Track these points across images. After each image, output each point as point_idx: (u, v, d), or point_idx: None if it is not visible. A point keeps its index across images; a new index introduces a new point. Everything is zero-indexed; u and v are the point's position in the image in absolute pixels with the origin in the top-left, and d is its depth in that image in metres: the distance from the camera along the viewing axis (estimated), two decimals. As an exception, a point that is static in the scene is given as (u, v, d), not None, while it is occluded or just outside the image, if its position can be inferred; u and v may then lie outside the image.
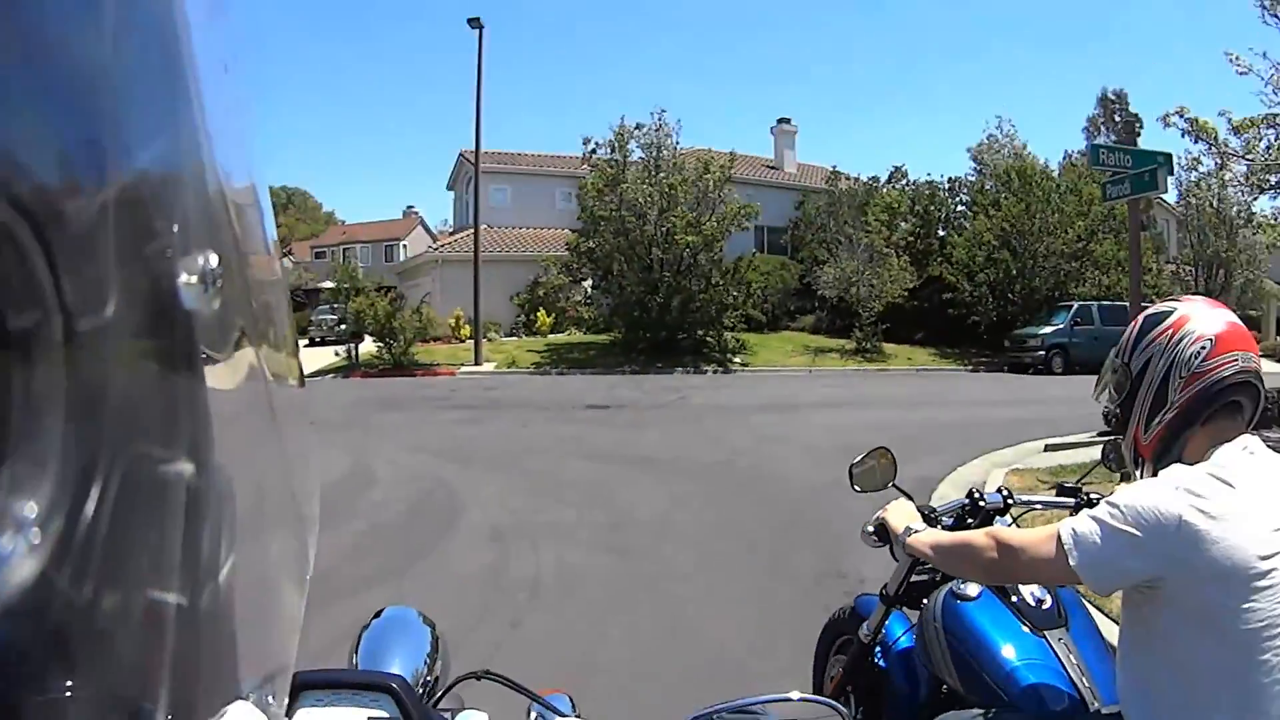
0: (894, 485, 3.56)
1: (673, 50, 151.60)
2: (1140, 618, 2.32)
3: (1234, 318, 2.48)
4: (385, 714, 1.66)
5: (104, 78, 0.74)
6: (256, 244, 1.07)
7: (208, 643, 0.91)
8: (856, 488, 3.58)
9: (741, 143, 72.85)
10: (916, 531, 2.86)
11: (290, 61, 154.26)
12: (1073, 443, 14.57)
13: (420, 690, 2.09)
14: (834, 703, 2.01)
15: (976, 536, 2.60)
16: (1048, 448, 14.79)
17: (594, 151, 35.01)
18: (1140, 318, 2.53)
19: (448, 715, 1.97)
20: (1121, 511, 2.21)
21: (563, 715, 1.98)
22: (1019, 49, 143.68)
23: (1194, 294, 27.85)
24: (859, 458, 3.60)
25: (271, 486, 1.12)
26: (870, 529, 3.16)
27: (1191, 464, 2.31)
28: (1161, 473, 2.32)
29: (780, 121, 53.05)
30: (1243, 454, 2.31)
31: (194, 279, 0.84)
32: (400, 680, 1.72)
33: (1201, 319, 2.40)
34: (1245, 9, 13.04)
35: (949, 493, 10.63)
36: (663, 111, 34.98)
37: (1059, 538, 2.27)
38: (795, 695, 2.00)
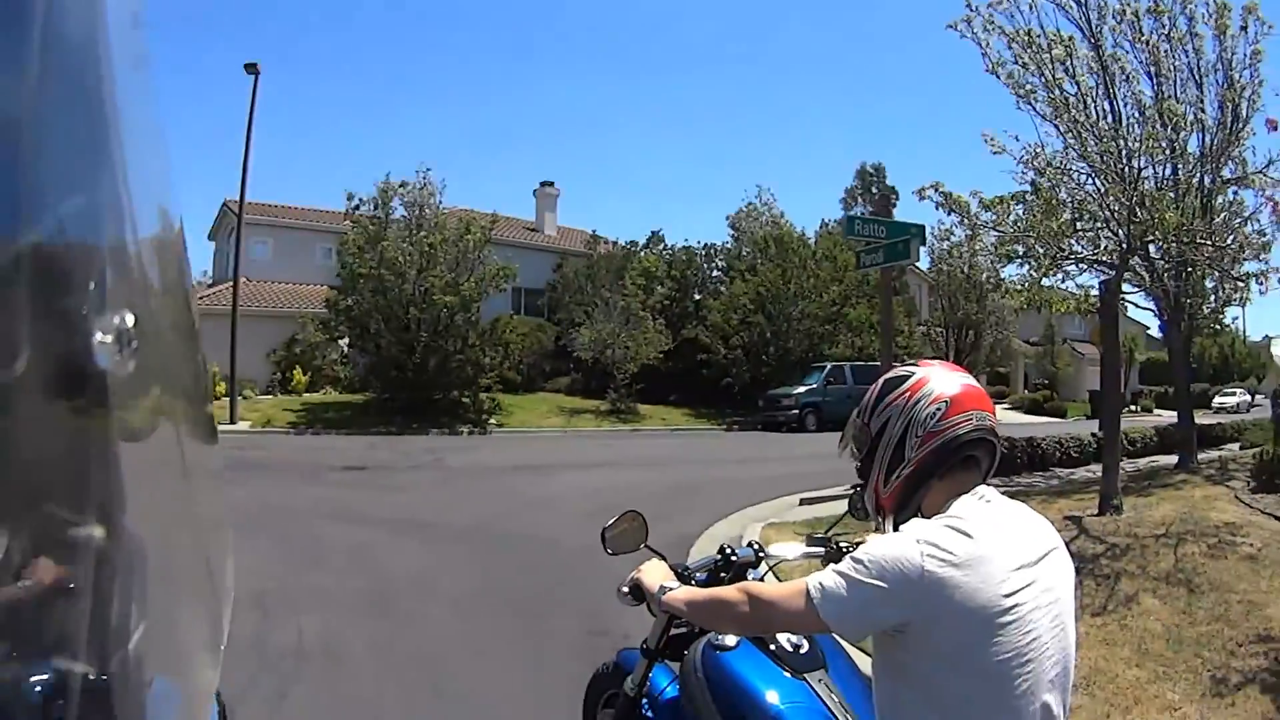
0: (646, 546, 3.61)
1: (440, 108, 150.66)
2: (892, 659, 2.44)
3: (970, 380, 2.65)
4: None
5: (23, 128, 0.73)
6: (173, 294, 1.06)
7: (118, 711, 0.88)
8: (610, 550, 3.61)
9: (504, 204, 73.13)
10: (671, 589, 2.94)
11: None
12: (826, 496, 15.06)
13: None
14: None
15: (729, 592, 2.69)
16: (803, 501, 15.30)
17: (357, 207, 34.94)
18: (880, 381, 2.69)
19: None
20: (866, 565, 2.34)
21: None
22: (781, 120, 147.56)
23: (945, 354, 29.82)
24: (611, 521, 3.64)
25: (184, 553, 1.11)
26: (625, 589, 3.21)
27: (930, 516, 2.50)
28: (903, 526, 2.47)
29: (543, 184, 53.53)
30: (979, 503, 2.49)
31: (109, 338, 0.83)
32: None
33: (938, 381, 2.58)
34: (1001, 96, 13.97)
35: (707, 548, 10.56)
36: (427, 170, 35.09)
37: (807, 592, 2.38)
38: None
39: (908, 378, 2.62)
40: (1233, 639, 7.52)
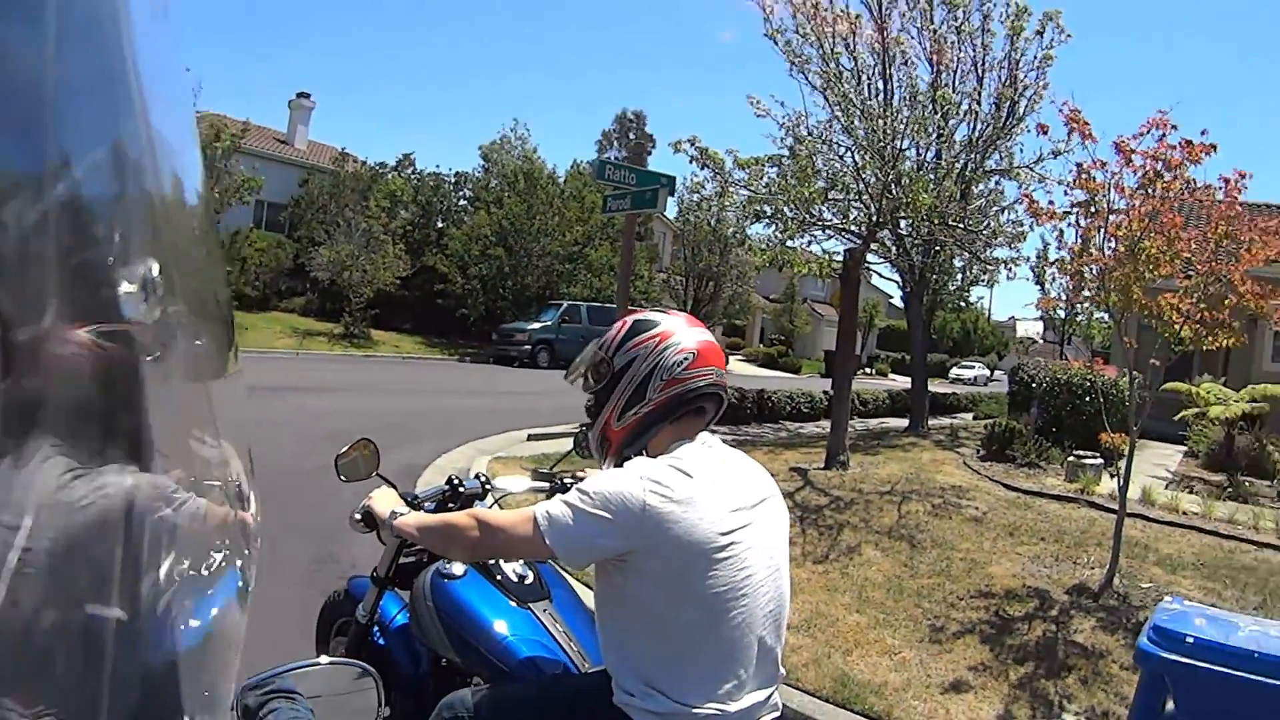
0: (378, 474, 3.67)
1: (203, 7, 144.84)
2: (613, 585, 2.60)
3: (710, 337, 2.82)
4: None
5: (47, 81, 0.73)
6: (199, 239, 1.08)
7: (149, 660, 0.90)
8: (342, 477, 3.68)
9: (258, 114, 70.57)
10: (401, 515, 3.01)
11: None
12: (555, 433, 15.43)
13: None
14: (362, 664, 2.17)
15: (459, 517, 2.82)
16: (531, 437, 15.61)
17: None
18: (629, 320, 2.87)
19: None
20: (591, 496, 2.51)
21: None
22: (545, 55, 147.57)
23: (684, 302, 30.57)
24: (343, 449, 3.70)
25: (212, 498, 1.08)
26: (358, 516, 3.27)
27: (654, 456, 2.69)
28: (627, 464, 2.64)
29: (299, 95, 51.63)
30: (702, 448, 2.71)
31: (135, 288, 0.83)
32: None
33: (686, 334, 2.78)
34: (774, 61, 14.22)
35: (434, 479, 10.85)
36: (186, 69, 33.06)
37: (535, 519, 2.54)
38: (324, 660, 2.16)
39: (657, 324, 2.78)
40: (954, 593, 7.85)
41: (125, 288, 0.82)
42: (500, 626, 3.13)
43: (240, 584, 1.20)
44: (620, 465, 2.66)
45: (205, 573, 1.07)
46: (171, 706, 0.93)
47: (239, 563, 1.20)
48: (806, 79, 13.75)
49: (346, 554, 7.68)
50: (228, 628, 1.15)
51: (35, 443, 0.70)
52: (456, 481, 3.64)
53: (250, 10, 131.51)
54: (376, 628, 3.64)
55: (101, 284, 0.79)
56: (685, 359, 2.70)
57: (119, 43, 0.83)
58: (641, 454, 2.69)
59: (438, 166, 51.43)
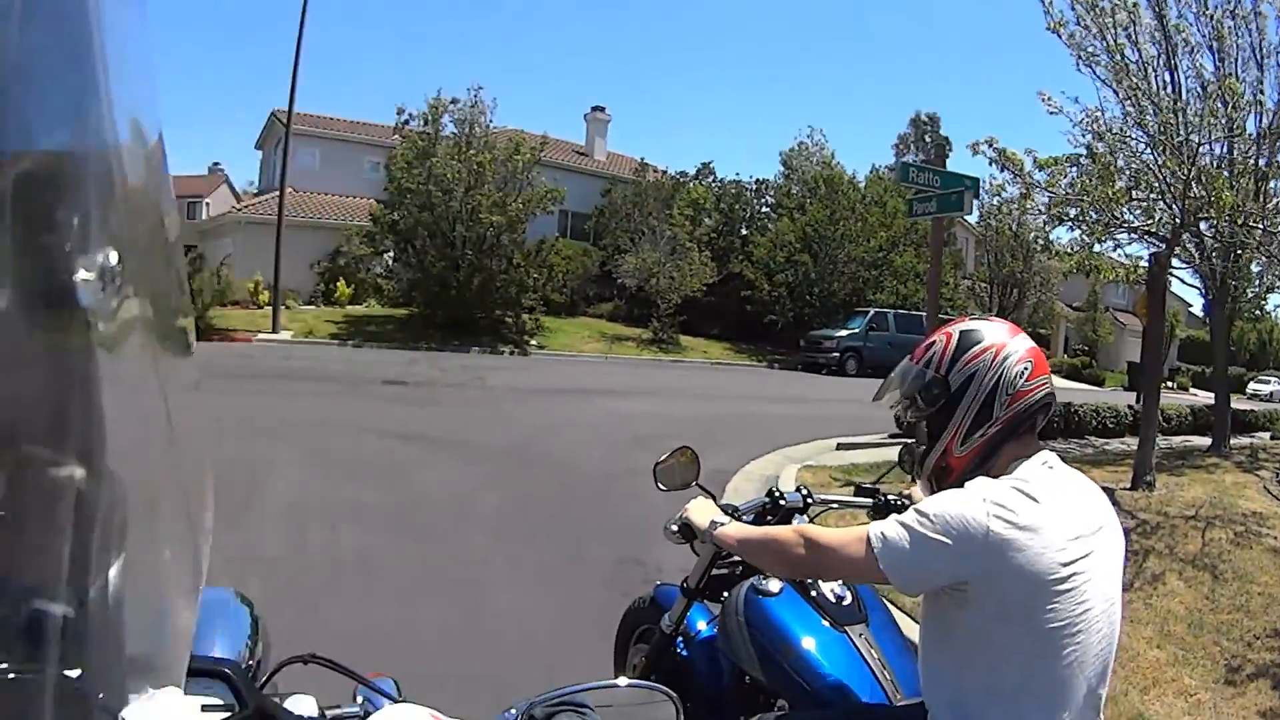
0: (697, 484, 3.60)
1: (494, 27, 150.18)
2: (943, 615, 2.43)
3: (1032, 342, 2.64)
4: (219, 700, 1.56)
5: (8, 57, 0.72)
6: (153, 220, 1.02)
7: (94, 657, 0.89)
8: (661, 486, 3.62)
9: (554, 127, 72.55)
10: (721, 525, 2.89)
11: None
12: (864, 442, 14.99)
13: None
14: (663, 688, 2.04)
15: (784, 532, 2.69)
16: (840, 446, 15.14)
17: (407, 122, 34.61)
18: (954, 333, 2.60)
19: (277, 700, 1.82)
20: (931, 520, 2.32)
21: (390, 698, 1.93)
22: (840, 60, 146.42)
23: (989, 310, 29.23)
24: (663, 456, 3.65)
25: (164, 494, 1.09)
26: (674, 526, 3.21)
27: (994, 477, 2.43)
28: (968, 484, 2.42)
29: (594, 109, 52.69)
30: (1043, 469, 2.48)
31: (92, 276, 0.82)
32: (234, 665, 1.65)
33: (1017, 342, 2.57)
34: (1061, 56, 13.70)
35: (742, 485, 10.96)
36: (479, 89, 34.45)
37: (869, 540, 2.37)
38: (623, 681, 2.06)
39: (986, 334, 2.57)
40: (1250, 630, 7.43)
41: (82, 275, 0.82)
42: (812, 648, 3.01)
43: (190, 578, 1.20)
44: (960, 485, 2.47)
45: (155, 567, 1.08)
46: (120, 701, 0.94)
47: (190, 557, 1.20)
48: (1094, 72, 13.10)
49: (650, 557, 7.69)
50: (178, 622, 1.15)
51: None
52: (777, 494, 3.55)
53: (543, 27, 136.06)
54: (681, 638, 3.59)
55: (58, 270, 0.80)
56: (1025, 369, 2.52)
57: (86, 23, 0.83)
58: (982, 476, 2.48)
59: (736, 174, 51.77)
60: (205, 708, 1.51)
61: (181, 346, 1.18)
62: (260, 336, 30.41)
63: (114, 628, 0.93)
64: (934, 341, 2.64)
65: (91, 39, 0.82)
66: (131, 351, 0.94)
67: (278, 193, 34.37)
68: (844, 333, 35.78)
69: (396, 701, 1.90)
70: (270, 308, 31.98)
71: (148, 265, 0.99)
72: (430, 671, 5.37)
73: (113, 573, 0.90)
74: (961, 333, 2.59)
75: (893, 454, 12.10)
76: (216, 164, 77.82)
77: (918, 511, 2.37)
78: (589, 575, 7.59)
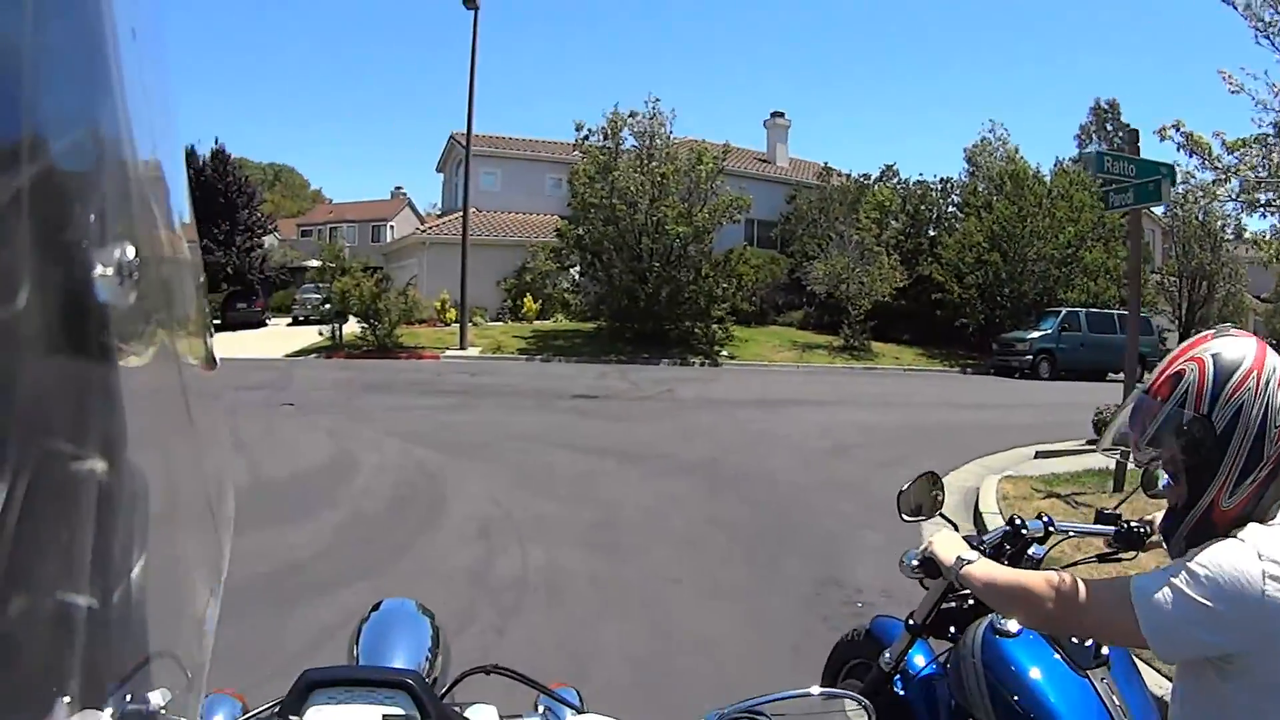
0: (940, 515, 3.48)
1: (666, 39, 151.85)
2: (1203, 684, 2.11)
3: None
4: (401, 711, 1.62)
5: (22, 57, 0.72)
6: (170, 224, 1.05)
7: (118, 646, 0.89)
8: (904, 516, 3.42)
9: (733, 135, 72.83)
10: (969, 562, 2.60)
11: (278, 36, 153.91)
12: (1064, 450, 14.43)
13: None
14: (857, 695, 1.97)
15: (1036, 581, 2.34)
16: (1039, 454, 14.59)
17: (586, 138, 34.79)
18: (1205, 359, 2.12)
19: (458, 710, 1.88)
20: (1201, 581, 1.97)
21: (573, 708, 1.98)
22: (1014, 52, 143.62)
23: (1178, 305, 27.63)
24: (906, 485, 3.42)
25: (186, 486, 1.10)
26: (914, 562, 2.99)
27: (1266, 523, 2.09)
28: (1241, 534, 2.05)
29: (773, 115, 52.66)
30: None
31: (110, 271, 0.82)
32: (416, 676, 1.68)
33: (1273, 357, 2.10)
34: (1239, 28, 13.09)
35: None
36: (656, 100, 34.48)
37: (1131, 600, 2.04)
38: (815, 690, 1.95)
39: (1238, 351, 2.11)
40: None
41: (100, 270, 0.82)
42: (1052, 694, 2.83)
43: (213, 570, 1.21)
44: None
45: (178, 559, 1.09)
46: (144, 694, 0.94)
47: (212, 549, 1.21)
48: (1274, 44, 12.32)
49: (849, 577, 7.51)
50: (200, 618, 1.15)
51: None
52: (1019, 522, 3.30)
53: (712, 38, 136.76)
54: (899, 675, 3.41)
55: (76, 265, 0.80)
56: None
57: (99, 16, 0.83)
58: (1254, 524, 2.10)
59: (920, 174, 50.88)
60: (387, 718, 1.60)
61: (202, 355, 1.21)
62: (448, 353, 31.23)
63: (139, 619, 0.94)
64: (1181, 371, 2.15)
65: (105, 35, 0.83)
66: (150, 346, 0.97)
67: (460, 213, 35.35)
68: (1036, 334, 34.55)
69: (580, 713, 1.99)
70: (457, 325, 32.78)
71: (164, 266, 1.01)
72: (614, 687, 5.40)
73: (136, 565, 0.92)
74: (1215, 357, 2.11)
75: (1093, 461, 11.84)
76: (399, 188, 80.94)
77: (1188, 572, 2.00)
78: (786, 597, 7.33)
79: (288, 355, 33.29)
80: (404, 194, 79.69)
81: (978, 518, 9.42)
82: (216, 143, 49.25)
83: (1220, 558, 2.00)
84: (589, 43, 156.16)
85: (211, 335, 1.28)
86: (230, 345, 36.20)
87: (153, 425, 0.97)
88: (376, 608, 2.48)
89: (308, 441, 14.74)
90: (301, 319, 45.46)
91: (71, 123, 0.80)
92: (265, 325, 47.51)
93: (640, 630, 6.58)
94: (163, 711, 0.96)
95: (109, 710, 0.84)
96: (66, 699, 0.76)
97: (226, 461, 1.30)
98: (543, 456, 13.37)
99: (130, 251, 0.85)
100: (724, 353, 33.32)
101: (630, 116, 34.31)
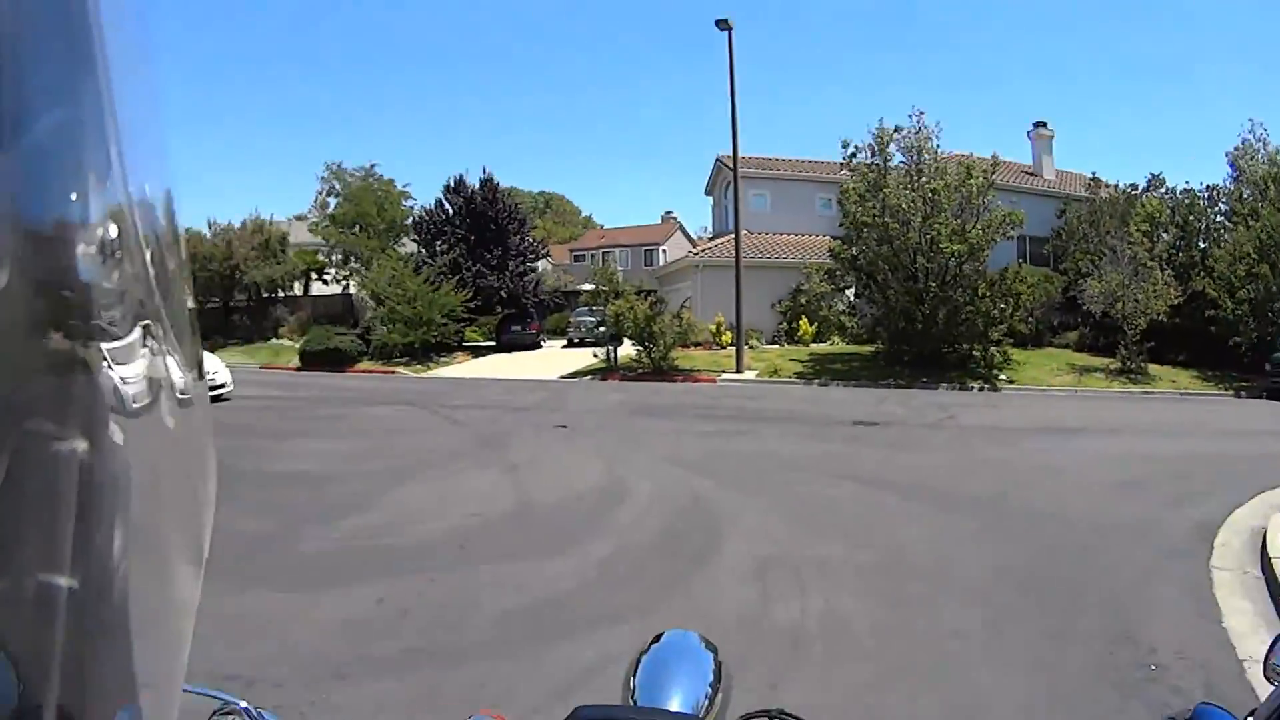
0: None
1: (920, 52, 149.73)
2: None
3: None
4: None
5: (2, 41, 0.74)
6: (152, 203, 1.04)
7: (100, 630, 0.90)
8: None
9: (992, 148, 71.33)
10: None
11: (545, 69, 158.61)
12: None
13: None
14: None
15: None
16: None
17: (853, 155, 34.42)
18: None
19: None
20: None
21: None
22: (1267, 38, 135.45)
23: None
24: None
25: (168, 465, 1.09)
26: None
27: None
28: None
29: (1036, 125, 51.80)
30: None
31: (93, 249, 0.84)
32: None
33: None
34: None
35: (1229, 540, 10.11)
36: (921, 113, 33.88)
37: None
38: None
39: None
40: None
41: (82, 249, 0.82)
42: None
43: (194, 551, 1.16)
44: None
45: (159, 539, 1.06)
46: (125, 676, 0.93)
47: (194, 530, 1.17)
48: None
49: (1145, 634, 7.08)
50: (183, 594, 1.12)
51: None
52: None
53: (965, 49, 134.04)
54: None
55: (57, 244, 0.80)
56: None
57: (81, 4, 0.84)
58: None
59: (1186, 182, 48.38)
60: None
61: (187, 335, 1.16)
62: (724, 377, 31.50)
63: (120, 599, 0.91)
64: None
65: (88, 19, 0.85)
66: (131, 325, 0.94)
67: (731, 235, 35.69)
68: (1311, 354, 31.77)
69: None
70: (733, 348, 33.07)
71: (148, 252, 0.99)
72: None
73: (116, 545, 0.90)
74: None
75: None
76: (669, 212, 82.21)
77: None
78: (1076, 656, 6.89)
79: (562, 376, 34.44)
80: (674, 218, 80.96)
81: (1266, 563, 8.90)
82: (484, 171, 50.45)
83: None
84: (843, 59, 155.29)
85: (198, 340, 1.25)
86: (505, 366, 39.81)
87: (134, 405, 0.96)
88: (657, 639, 2.40)
89: (578, 466, 14.89)
90: (576, 341, 47.56)
91: (52, 104, 0.81)
92: (540, 347, 49.45)
93: (924, 694, 6.30)
94: (145, 693, 0.96)
95: (92, 693, 0.87)
96: (49, 682, 0.79)
97: (209, 439, 1.26)
98: (822, 489, 13.14)
99: (113, 230, 0.87)
100: (1002, 376, 32.35)
101: (895, 131, 33.79)
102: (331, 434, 20.06)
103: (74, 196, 0.83)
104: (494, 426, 20.50)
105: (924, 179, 32.69)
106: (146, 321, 0.97)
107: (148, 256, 0.97)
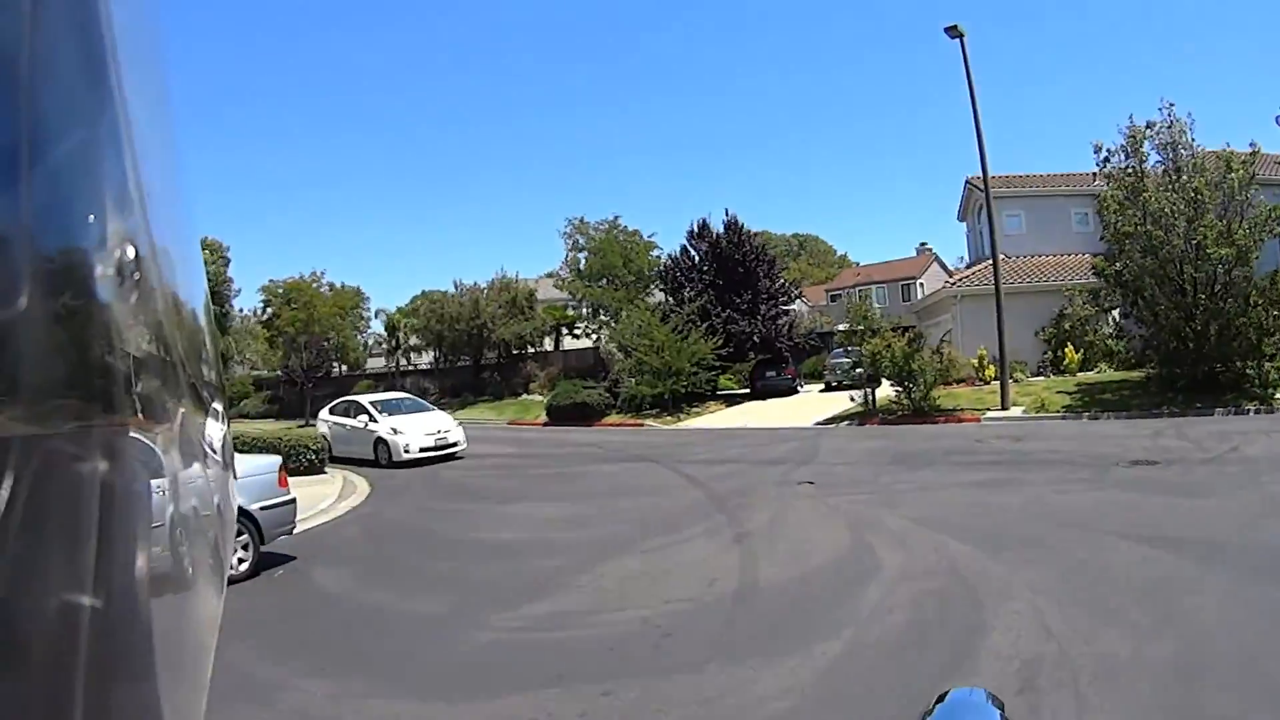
0: None
1: (1156, 41, 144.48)
2: None
3: None
4: None
5: (19, 64, 0.75)
6: (173, 225, 1.10)
7: (124, 646, 0.90)
8: None
9: (1233, 137, 66.82)
10: None
11: (788, 115, 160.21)
12: None
13: None
14: None
15: None
16: None
17: (1107, 159, 31.58)
18: None
19: None
20: None
21: None
22: None
23: None
24: None
25: (188, 482, 1.12)
26: None
27: None
28: None
29: (1294, 108, 47.48)
30: None
31: (111, 272, 0.85)
32: None
33: None
34: None
35: None
36: (1171, 105, 30.83)
37: None
38: None
39: None
40: None
41: (101, 270, 0.82)
42: None
43: (215, 568, 1.22)
44: None
45: (182, 556, 1.09)
46: (149, 693, 0.92)
47: (215, 546, 1.22)
48: None
49: None
50: (204, 611, 1.16)
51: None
52: None
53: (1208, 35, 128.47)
54: None
55: (77, 266, 0.79)
56: None
57: (98, 23, 0.84)
58: None
59: None
60: None
61: (209, 358, 1.25)
62: (989, 415, 30.64)
63: (143, 618, 0.93)
64: None
65: (103, 40, 0.84)
66: (153, 348, 0.97)
67: (989, 261, 34.70)
68: None
69: None
70: (997, 382, 31.89)
71: (167, 275, 1.02)
72: None
73: (139, 564, 0.92)
74: None
75: None
76: (924, 243, 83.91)
77: None
78: None
79: (817, 423, 33.43)
80: (929, 249, 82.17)
81: None
82: (727, 214, 50.04)
83: None
84: (1084, 61, 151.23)
85: (218, 364, 1.32)
86: (758, 414, 38.99)
87: (156, 426, 0.99)
88: (942, 699, 2.09)
89: (820, 532, 13.57)
90: (834, 385, 45.53)
91: (69, 125, 0.81)
92: (796, 392, 48.37)
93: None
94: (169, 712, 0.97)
95: (115, 710, 0.86)
96: (73, 699, 0.77)
97: (230, 462, 1.34)
98: (1101, 553, 11.05)
99: (130, 251, 0.87)
100: (1277, 396, 28.32)
101: (1148, 128, 30.97)
102: (552, 496, 19.74)
103: (91, 219, 0.86)
104: (732, 484, 19.41)
105: (1184, 177, 29.93)
106: (166, 344, 1.03)
107: (165, 277, 1.02)
